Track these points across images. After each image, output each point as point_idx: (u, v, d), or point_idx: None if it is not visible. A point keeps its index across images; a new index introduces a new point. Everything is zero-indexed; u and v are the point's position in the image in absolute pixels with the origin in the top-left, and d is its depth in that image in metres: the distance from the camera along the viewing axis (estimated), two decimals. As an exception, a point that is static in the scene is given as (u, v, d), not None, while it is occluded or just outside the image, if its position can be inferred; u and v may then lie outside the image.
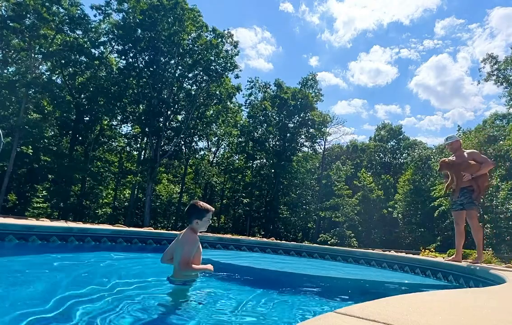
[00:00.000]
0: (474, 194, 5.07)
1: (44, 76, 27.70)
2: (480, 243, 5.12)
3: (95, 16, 28.31)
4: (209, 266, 3.10)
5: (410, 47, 79.09)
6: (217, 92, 32.69)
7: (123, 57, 29.28)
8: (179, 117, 32.93)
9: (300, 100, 38.06)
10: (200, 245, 3.10)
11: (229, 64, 31.56)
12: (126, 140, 34.30)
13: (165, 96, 29.09)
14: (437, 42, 78.18)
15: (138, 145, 35.44)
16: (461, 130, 41.52)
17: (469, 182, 5.10)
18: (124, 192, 36.78)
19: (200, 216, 3.03)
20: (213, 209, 3.20)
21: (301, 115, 38.78)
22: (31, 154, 25.48)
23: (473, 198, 5.07)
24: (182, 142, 33.84)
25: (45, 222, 7.16)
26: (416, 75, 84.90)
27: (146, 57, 29.33)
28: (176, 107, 31.41)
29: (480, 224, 5.47)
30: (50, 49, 25.97)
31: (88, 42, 28.17)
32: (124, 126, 34.01)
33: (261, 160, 40.22)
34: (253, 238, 10.24)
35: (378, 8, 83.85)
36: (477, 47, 68.55)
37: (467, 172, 5.06)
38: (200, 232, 3.14)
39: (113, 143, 33.99)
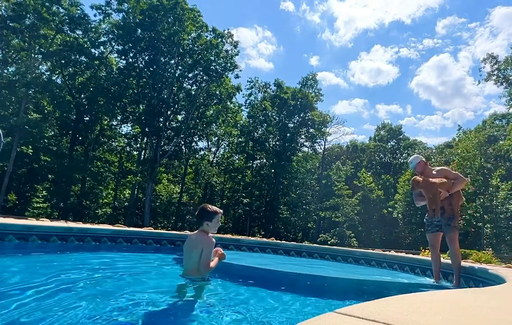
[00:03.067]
0: (446, 214, 4.62)
1: (44, 76, 27.70)
2: (459, 270, 4.65)
3: (95, 16, 28.36)
4: (219, 255, 3.33)
5: (411, 47, 79.13)
6: (217, 92, 32.69)
7: (123, 57, 29.27)
8: (179, 117, 32.92)
9: (300, 100, 38.07)
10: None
11: (229, 64, 31.55)
12: (126, 140, 34.30)
13: (165, 96, 29.08)
14: (439, 42, 78.28)
15: (138, 145, 35.43)
16: (461, 129, 41.60)
17: (446, 201, 4.63)
18: (124, 192, 36.78)
19: (210, 218, 3.28)
20: (221, 211, 3.46)
21: (301, 115, 38.79)
22: (31, 154, 25.48)
23: (451, 221, 4.62)
24: (182, 142, 33.82)
25: (45, 222, 7.16)
26: (417, 75, 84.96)
27: (146, 57, 29.33)
28: (176, 107, 31.40)
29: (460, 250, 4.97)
30: (50, 49, 25.96)
31: (88, 42, 28.16)
32: (124, 126, 34.06)
33: (261, 160, 40.22)
34: (253, 238, 10.24)
35: (379, 7, 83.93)
36: (479, 47, 68.53)
37: (442, 189, 4.58)
38: (211, 233, 3.35)
39: (113, 143, 33.99)
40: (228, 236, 10.24)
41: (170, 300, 2.80)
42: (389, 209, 39.84)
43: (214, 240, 3.26)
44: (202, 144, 38.79)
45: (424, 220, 5.02)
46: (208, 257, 3.12)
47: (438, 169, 4.81)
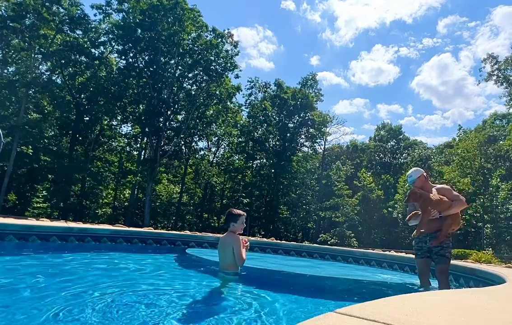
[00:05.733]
0: (441, 236, 4.06)
1: (44, 76, 27.70)
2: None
3: (95, 15, 28.37)
4: (245, 246, 3.90)
5: (412, 47, 79.04)
6: (217, 92, 32.69)
7: (123, 57, 29.28)
8: (179, 117, 32.92)
9: (300, 100, 38.06)
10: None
11: (229, 64, 31.56)
12: (126, 140, 34.29)
13: (165, 96, 29.09)
14: (440, 41, 78.28)
15: (138, 145, 35.42)
16: (462, 129, 41.62)
17: (435, 224, 4.14)
18: (124, 192, 36.76)
19: (235, 220, 3.85)
20: (245, 213, 4.00)
21: (301, 115, 38.78)
22: (31, 154, 25.47)
23: (445, 250, 4.07)
24: (182, 142, 33.82)
25: (45, 222, 7.16)
26: (418, 75, 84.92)
27: (146, 57, 29.33)
28: (176, 107, 31.40)
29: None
30: (50, 49, 25.96)
31: (88, 42, 28.16)
32: (124, 126, 34.04)
33: (261, 160, 40.19)
34: (253, 238, 10.24)
35: (380, 6, 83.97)
36: (480, 46, 68.38)
37: (436, 209, 4.11)
38: (238, 233, 3.92)
39: (113, 143, 33.97)
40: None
41: (210, 290, 3.44)
42: (389, 209, 39.84)
43: (240, 237, 3.84)
44: (202, 144, 38.84)
45: (413, 242, 4.47)
46: (240, 252, 3.72)
47: (438, 187, 4.29)
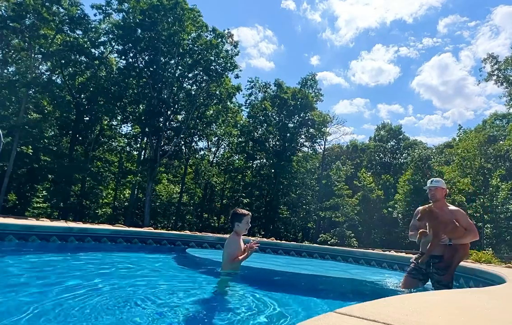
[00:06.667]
0: (442, 264, 3.81)
1: (44, 76, 27.70)
2: None
3: (95, 15, 28.38)
4: (248, 250, 3.77)
5: (413, 46, 79.01)
6: (217, 92, 32.69)
7: (123, 57, 29.28)
8: (179, 117, 32.92)
9: (300, 100, 38.06)
10: (242, 243, 3.87)
11: (229, 64, 31.56)
12: (126, 140, 34.28)
13: (165, 96, 29.09)
14: (440, 41, 78.26)
15: (138, 145, 35.41)
16: (462, 129, 41.66)
17: (440, 248, 3.84)
18: (124, 192, 36.75)
19: (239, 219, 3.80)
20: (250, 213, 3.93)
21: (301, 115, 38.77)
22: (31, 154, 25.46)
23: (447, 281, 3.80)
24: (182, 142, 33.82)
25: (45, 222, 7.15)
26: (418, 75, 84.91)
27: (146, 57, 29.33)
28: (176, 107, 31.41)
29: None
30: (50, 49, 25.96)
31: (88, 42, 28.16)
32: (124, 126, 34.03)
33: (261, 160, 40.19)
34: (253, 238, 10.23)
35: (380, 5, 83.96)
36: (481, 45, 68.34)
37: (449, 236, 3.81)
38: (243, 234, 3.90)
39: (113, 143, 33.96)
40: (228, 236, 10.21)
41: (210, 290, 3.51)
42: (389, 209, 39.83)
43: (237, 238, 3.81)
44: (202, 144, 38.82)
45: (412, 260, 4.17)
46: (230, 252, 3.72)
47: (453, 210, 3.97)
